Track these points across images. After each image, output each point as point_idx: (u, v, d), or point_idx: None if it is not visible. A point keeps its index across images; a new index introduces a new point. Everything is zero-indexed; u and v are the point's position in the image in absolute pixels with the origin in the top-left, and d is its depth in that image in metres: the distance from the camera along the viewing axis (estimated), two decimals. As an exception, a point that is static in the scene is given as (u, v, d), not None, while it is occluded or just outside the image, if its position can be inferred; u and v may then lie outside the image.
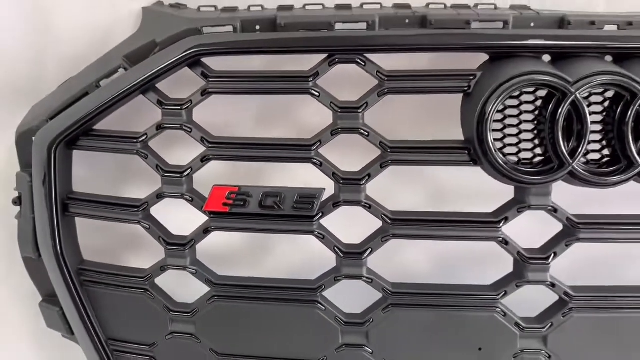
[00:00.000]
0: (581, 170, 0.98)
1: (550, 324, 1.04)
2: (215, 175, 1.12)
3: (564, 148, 0.97)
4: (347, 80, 1.05)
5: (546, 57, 1.03)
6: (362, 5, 1.12)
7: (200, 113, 1.08)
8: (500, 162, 0.98)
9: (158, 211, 1.10)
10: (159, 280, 1.11)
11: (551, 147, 0.98)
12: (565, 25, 1.04)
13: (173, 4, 1.19)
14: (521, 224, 1.03)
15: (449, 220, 1.04)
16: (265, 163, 1.07)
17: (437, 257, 1.24)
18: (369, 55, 1.04)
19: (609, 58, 1.02)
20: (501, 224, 1.02)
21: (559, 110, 0.97)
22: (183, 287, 1.12)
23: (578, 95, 0.96)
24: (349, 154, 1.07)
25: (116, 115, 1.10)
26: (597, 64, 1.00)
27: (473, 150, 1.00)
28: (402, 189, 1.19)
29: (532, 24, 1.05)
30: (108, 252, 1.23)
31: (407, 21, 1.06)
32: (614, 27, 1.04)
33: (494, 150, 0.98)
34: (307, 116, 1.19)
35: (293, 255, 1.23)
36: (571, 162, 0.97)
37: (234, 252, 1.25)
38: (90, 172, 1.23)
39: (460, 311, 1.04)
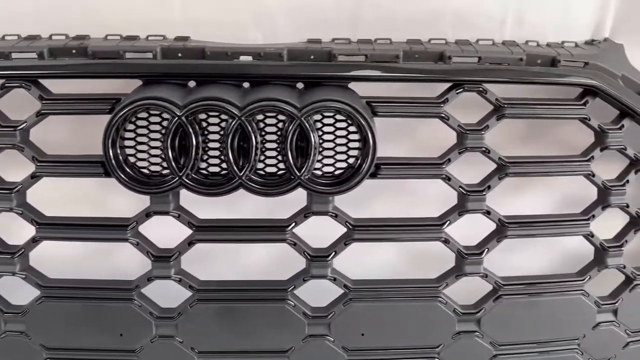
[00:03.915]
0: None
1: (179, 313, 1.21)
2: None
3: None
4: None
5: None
6: (85, 37, 1.26)
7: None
8: (121, 175, 1.14)
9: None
10: None
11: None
12: (206, 55, 1.19)
13: None
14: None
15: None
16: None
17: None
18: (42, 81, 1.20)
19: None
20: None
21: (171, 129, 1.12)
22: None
23: (183, 119, 1.12)
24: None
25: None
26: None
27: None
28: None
29: (180, 54, 1.20)
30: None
31: (73, 51, 1.21)
32: (249, 58, 1.19)
33: (114, 164, 1.13)
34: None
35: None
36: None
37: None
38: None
39: (103, 302, 1.21)
